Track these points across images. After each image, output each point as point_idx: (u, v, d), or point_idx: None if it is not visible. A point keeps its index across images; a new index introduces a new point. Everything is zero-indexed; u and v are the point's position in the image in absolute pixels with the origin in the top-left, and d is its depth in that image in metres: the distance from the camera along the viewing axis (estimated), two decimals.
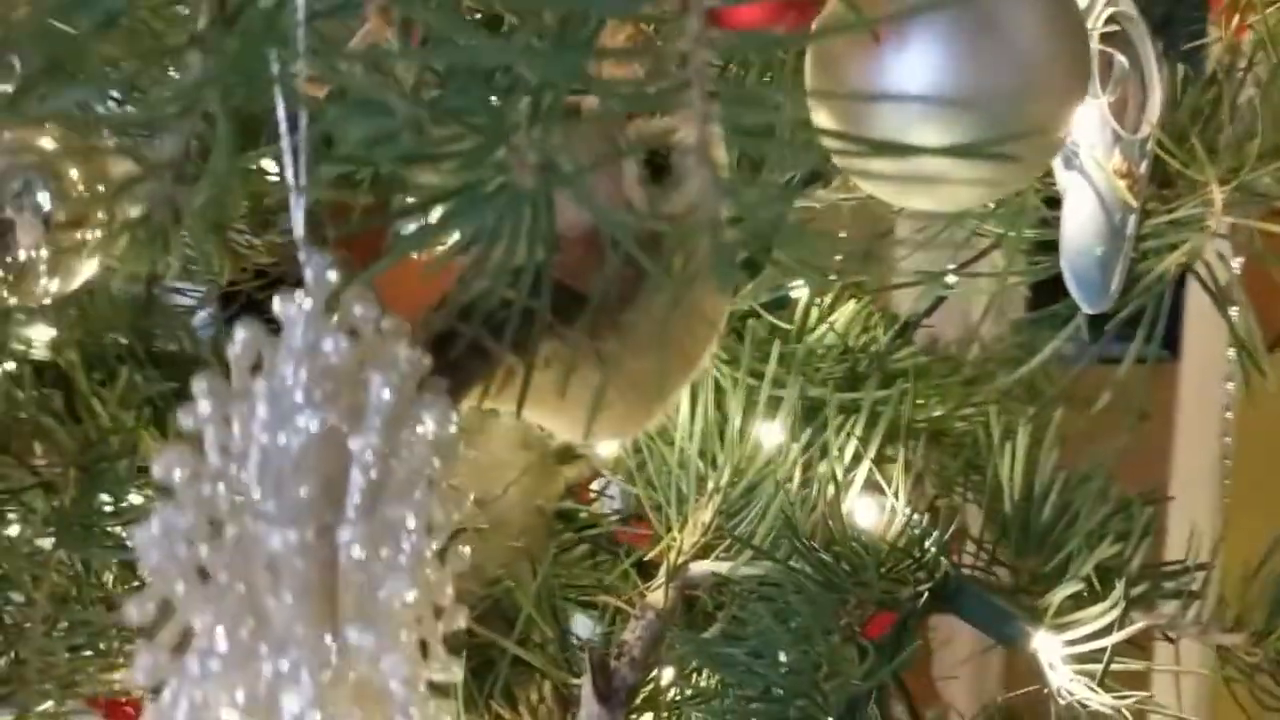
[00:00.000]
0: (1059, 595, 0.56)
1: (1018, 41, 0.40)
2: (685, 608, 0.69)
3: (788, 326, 0.74)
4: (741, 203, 0.30)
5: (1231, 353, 0.70)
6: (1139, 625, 0.53)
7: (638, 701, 0.66)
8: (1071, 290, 0.56)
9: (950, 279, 0.80)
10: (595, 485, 0.86)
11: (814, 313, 0.83)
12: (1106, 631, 0.55)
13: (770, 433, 0.71)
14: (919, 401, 0.78)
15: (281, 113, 0.25)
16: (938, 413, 0.74)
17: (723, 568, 0.65)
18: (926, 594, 0.58)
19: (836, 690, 0.50)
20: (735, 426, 0.70)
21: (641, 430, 0.44)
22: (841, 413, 0.70)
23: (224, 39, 0.24)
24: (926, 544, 0.60)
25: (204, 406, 0.22)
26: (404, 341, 0.26)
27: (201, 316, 0.89)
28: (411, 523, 0.25)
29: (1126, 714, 0.51)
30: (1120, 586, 0.54)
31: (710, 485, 0.70)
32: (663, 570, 0.67)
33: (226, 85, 0.23)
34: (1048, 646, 0.55)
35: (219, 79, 0.23)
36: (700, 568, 0.66)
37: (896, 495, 0.64)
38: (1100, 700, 0.52)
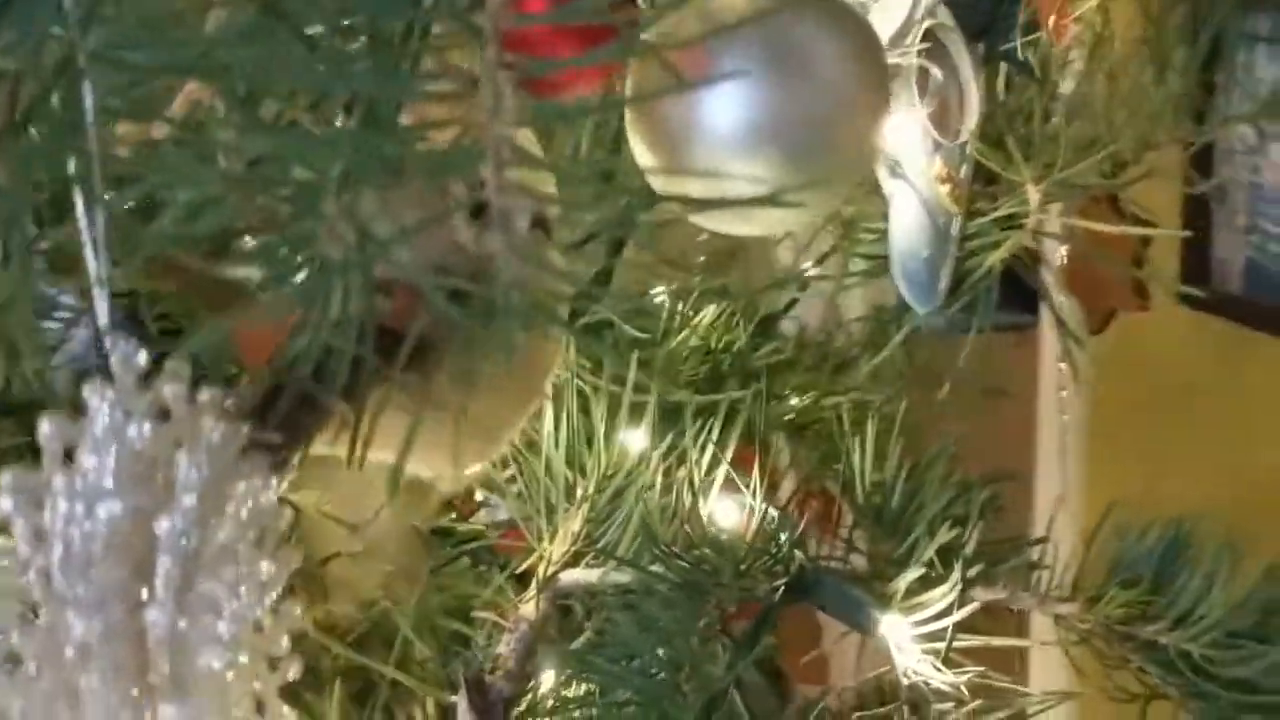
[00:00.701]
0: (904, 580, 0.59)
1: (819, 71, 0.42)
2: (562, 615, 0.71)
3: (643, 335, 0.76)
4: (543, 263, 0.31)
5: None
6: (974, 605, 0.56)
7: (521, 710, 0.68)
8: (902, 291, 0.60)
9: (802, 279, 0.83)
10: (480, 496, 0.87)
11: (677, 318, 0.86)
12: (950, 611, 0.58)
13: (636, 439, 0.73)
14: (781, 395, 0.81)
15: (81, 211, 0.26)
16: (794, 403, 0.77)
17: (592, 576, 0.67)
18: (783, 587, 0.60)
19: (696, 689, 0.53)
20: (600, 435, 0.72)
21: (482, 464, 0.45)
22: (701, 415, 0.72)
23: (18, 146, 0.24)
24: (781, 539, 0.62)
25: (5, 503, 0.23)
26: (216, 416, 0.27)
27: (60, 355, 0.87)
28: (228, 594, 0.26)
29: (963, 690, 0.54)
30: (958, 568, 0.57)
31: (579, 494, 0.72)
32: (535, 582, 0.68)
33: (19, 198, 0.24)
34: (895, 629, 0.59)
35: (15, 189, 0.24)
36: (570, 577, 0.68)
37: (754, 494, 0.67)
38: (942, 678, 0.55)
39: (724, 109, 0.42)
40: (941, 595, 0.58)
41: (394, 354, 0.40)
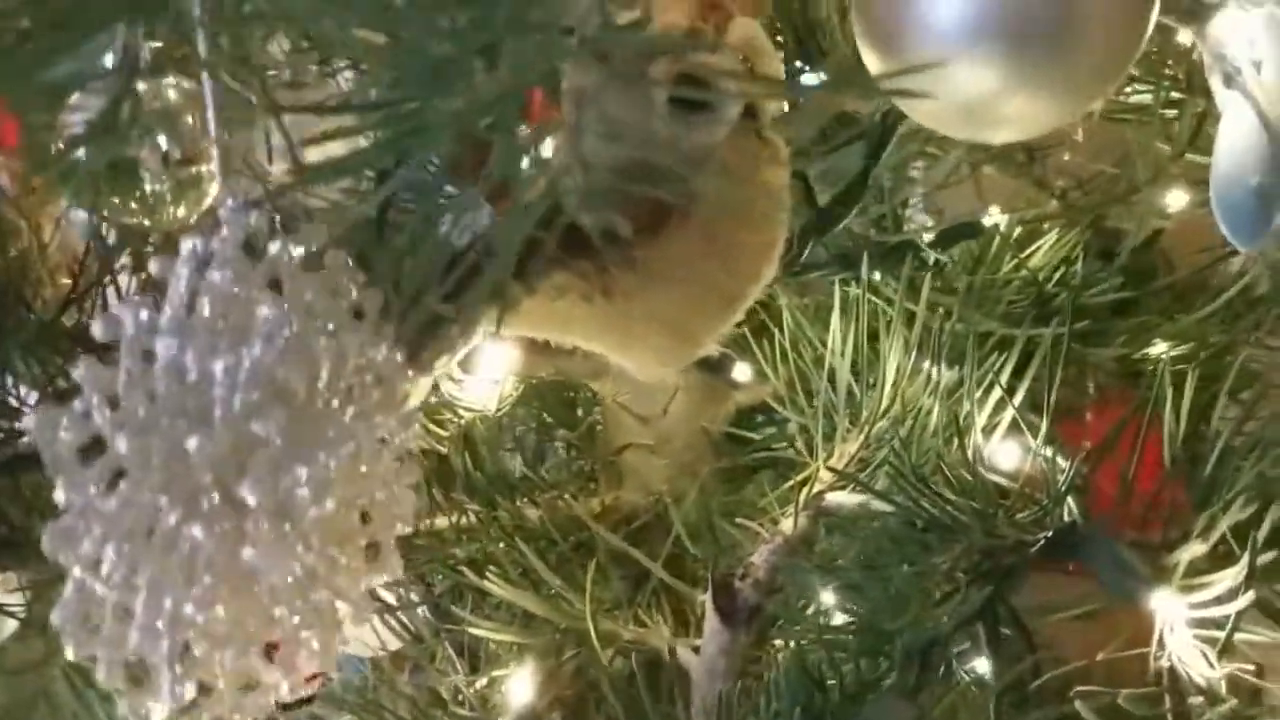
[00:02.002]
0: (1188, 554, 0.52)
1: None
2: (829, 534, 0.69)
3: (943, 258, 0.71)
4: None
5: None
6: (1249, 597, 0.48)
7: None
8: (1220, 223, 0.51)
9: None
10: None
11: (1006, 244, 0.79)
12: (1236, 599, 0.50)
13: (933, 366, 0.69)
14: (1108, 336, 0.73)
15: (209, 92, 0.28)
16: (1119, 347, 0.69)
17: (855, 500, 0.64)
18: (1045, 541, 0.55)
19: (909, 628, 0.50)
20: (890, 357, 0.69)
21: (685, 361, 0.45)
22: (1001, 348, 0.66)
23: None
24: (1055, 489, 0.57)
25: (96, 330, 0.26)
26: (309, 270, 0.29)
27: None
28: (321, 443, 0.28)
29: (1221, 687, 0.47)
30: (1248, 552, 0.49)
31: (863, 417, 0.70)
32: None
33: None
34: (1168, 608, 0.52)
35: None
36: (835, 499, 0.66)
37: (1040, 438, 0.61)
38: (1208, 672, 0.48)
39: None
40: (1227, 579, 0.50)
41: (577, 240, 0.41)
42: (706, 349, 0.45)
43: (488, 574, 0.68)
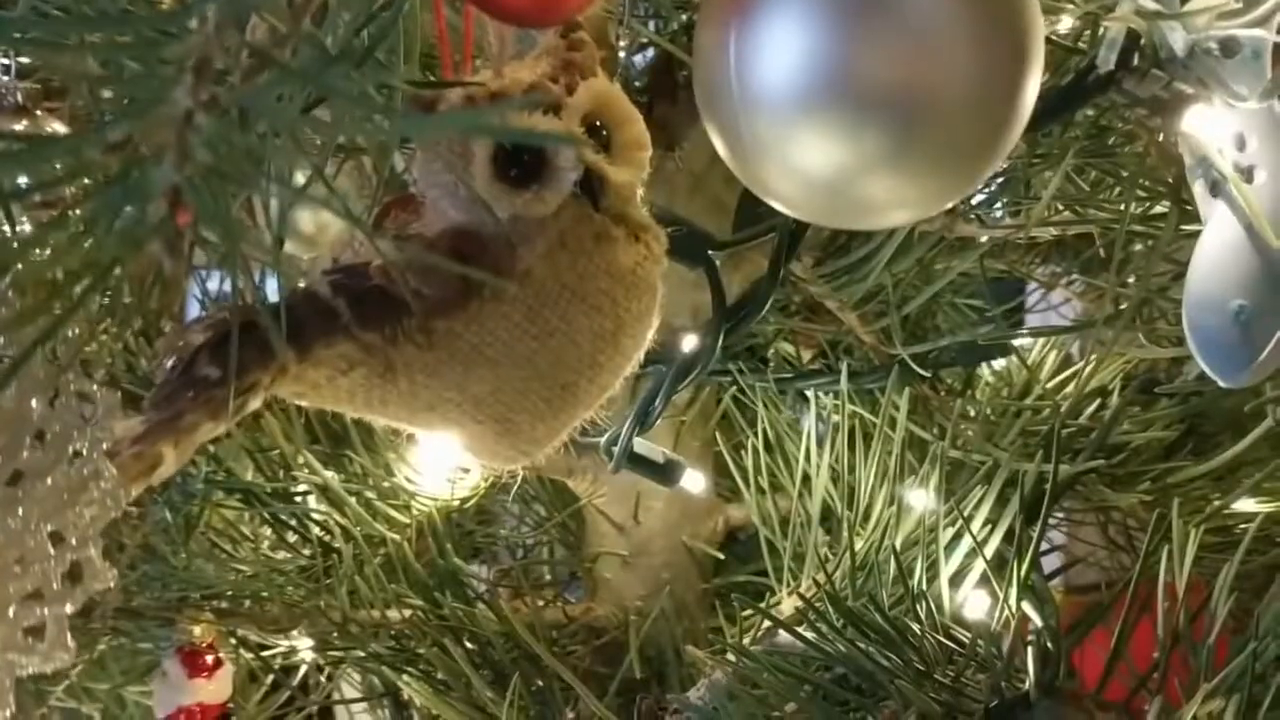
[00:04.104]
0: None
1: (910, 17, 0.31)
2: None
3: (927, 378, 0.64)
4: None
5: None
6: None
7: None
8: (1194, 354, 0.43)
9: None
10: None
11: (1035, 369, 0.71)
12: None
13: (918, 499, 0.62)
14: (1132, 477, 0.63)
15: None
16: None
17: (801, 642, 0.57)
18: (988, 709, 0.47)
19: None
20: (865, 486, 0.61)
21: (524, 458, 0.40)
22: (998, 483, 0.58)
23: None
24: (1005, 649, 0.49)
25: None
26: None
27: None
28: None
29: None
30: None
31: (842, 545, 0.62)
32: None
33: None
34: None
35: None
36: (785, 638, 0.59)
37: (1012, 589, 0.53)
38: None
39: (775, 58, 0.32)
40: None
41: (373, 310, 0.37)
42: (544, 445, 0.39)
43: (407, 674, 0.63)
